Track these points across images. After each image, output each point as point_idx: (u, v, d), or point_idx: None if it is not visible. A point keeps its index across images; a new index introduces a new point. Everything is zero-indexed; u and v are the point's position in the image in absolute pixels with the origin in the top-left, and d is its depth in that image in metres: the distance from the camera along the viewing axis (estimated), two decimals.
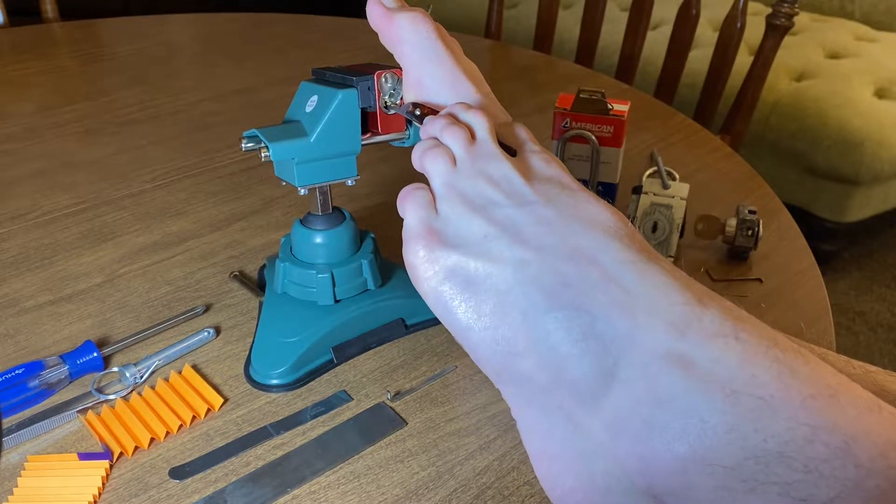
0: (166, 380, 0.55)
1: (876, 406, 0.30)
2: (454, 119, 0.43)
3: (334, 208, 0.57)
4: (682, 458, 0.31)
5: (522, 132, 0.43)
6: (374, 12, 0.50)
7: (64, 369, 0.54)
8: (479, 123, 0.42)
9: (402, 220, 0.42)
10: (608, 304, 0.34)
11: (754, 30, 1.42)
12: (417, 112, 0.48)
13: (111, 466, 0.48)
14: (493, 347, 0.37)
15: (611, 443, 0.33)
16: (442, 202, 0.40)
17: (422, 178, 0.42)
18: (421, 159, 0.41)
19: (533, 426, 0.36)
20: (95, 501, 0.46)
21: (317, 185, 0.54)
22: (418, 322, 0.59)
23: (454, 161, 0.41)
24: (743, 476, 0.30)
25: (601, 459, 0.34)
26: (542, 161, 0.41)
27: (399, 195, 0.41)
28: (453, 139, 0.41)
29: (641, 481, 0.32)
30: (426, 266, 0.38)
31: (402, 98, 0.52)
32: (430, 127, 0.43)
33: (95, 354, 0.55)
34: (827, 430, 0.29)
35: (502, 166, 0.39)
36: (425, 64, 0.48)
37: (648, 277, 0.34)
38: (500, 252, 0.37)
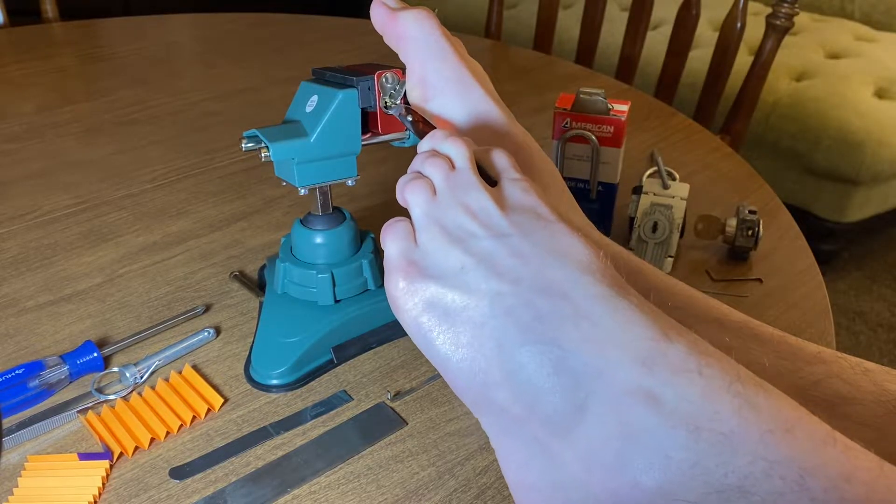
0: (166, 380, 0.55)
1: (831, 439, 0.31)
2: (434, 151, 0.43)
3: (334, 208, 0.57)
4: (649, 492, 0.32)
5: (502, 159, 0.43)
6: (378, 12, 0.50)
7: (64, 369, 0.54)
8: (459, 153, 0.42)
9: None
10: (579, 339, 0.35)
11: (754, 30, 1.42)
12: (410, 118, 0.48)
13: (111, 466, 0.48)
14: (469, 378, 0.37)
15: (584, 475, 0.34)
16: (421, 233, 0.40)
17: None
18: (402, 192, 0.42)
19: (510, 455, 0.37)
20: (95, 501, 0.46)
21: (317, 185, 0.54)
22: None
23: (434, 192, 0.41)
24: None
25: (575, 491, 0.34)
26: (520, 190, 0.41)
27: (382, 228, 0.42)
28: (433, 170, 0.41)
29: None
30: (406, 298, 0.39)
31: (403, 96, 0.52)
32: (414, 161, 0.44)
33: (95, 354, 0.55)
34: (783, 464, 0.30)
35: (480, 197, 0.40)
36: (430, 61, 0.48)
37: (618, 312, 0.35)
38: (477, 284, 0.37)
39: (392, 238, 0.41)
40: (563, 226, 0.39)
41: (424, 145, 0.44)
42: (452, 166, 0.42)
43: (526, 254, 0.37)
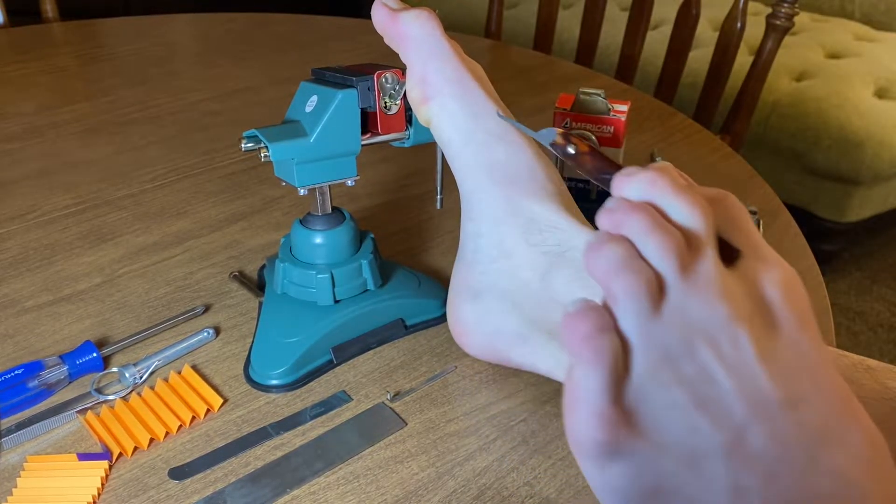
0: (166, 380, 0.55)
1: None
2: (659, 217, 0.28)
3: (334, 208, 0.57)
4: None
5: (753, 233, 0.30)
6: (379, 13, 0.50)
7: (63, 369, 0.54)
8: (699, 226, 0.28)
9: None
10: None
11: (754, 30, 1.42)
12: (571, 150, 0.32)
13: (110, 467, 0.48)
14: None
15: None
16: (637, 356, 0.27)
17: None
18: (606, 277, 0.28)
19: None
20: (95, 502, 0.46)
21: (317, 186, 0.54)
22: (418, 322, 0.59)
23: (659, 290, 0.28)
24: None
25: None
26: (794, 318, 0.28)
27: (567, 319, 0.28)
28: (662, 255, 0.28)
29: None
30: (603, 458, 0.27)
31: (403, 97, 0.52)
32: (624, 216, 0.29)
33: (95, 355, 0.55)
34: None
35: (734, 325, 0.27)
36: (430, 60, 0.48)
37: None
38: (713, 465, 0.26)
39: (592, 358, 0.27)
40: (843, 405, 0.28)
41: (633, 190, 0.30)
42: (687, 249, 0.28)
43: (790, 444, 0.27)
